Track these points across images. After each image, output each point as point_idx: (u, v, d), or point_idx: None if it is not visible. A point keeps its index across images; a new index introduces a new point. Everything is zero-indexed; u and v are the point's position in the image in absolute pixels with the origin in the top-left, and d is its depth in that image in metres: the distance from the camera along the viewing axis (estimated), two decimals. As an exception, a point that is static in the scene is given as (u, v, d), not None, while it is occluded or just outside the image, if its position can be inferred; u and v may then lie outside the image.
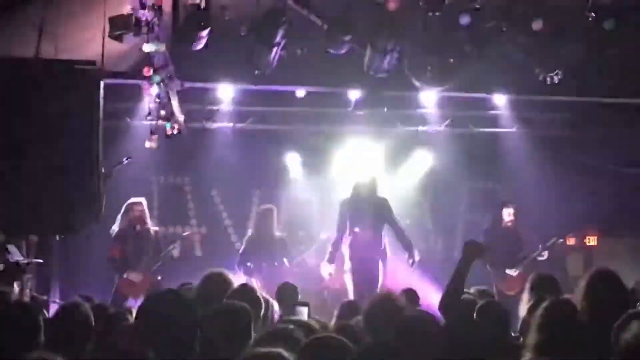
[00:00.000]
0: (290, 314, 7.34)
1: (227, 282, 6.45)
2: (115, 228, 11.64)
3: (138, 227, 11.64)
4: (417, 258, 11.62)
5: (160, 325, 3.93)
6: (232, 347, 4.27)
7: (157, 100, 10.65)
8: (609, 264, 5.96)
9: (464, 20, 10.63)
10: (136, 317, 4.24)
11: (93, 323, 5.51)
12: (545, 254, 12.32)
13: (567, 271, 13.80)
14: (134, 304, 10.11)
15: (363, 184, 11.99)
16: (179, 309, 4.02)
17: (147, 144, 11.29)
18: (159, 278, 11.57)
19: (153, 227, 11.93)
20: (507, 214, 12.59)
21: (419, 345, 4.33)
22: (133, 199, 11.91)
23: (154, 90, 10.30)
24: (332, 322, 6.99)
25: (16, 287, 9.88)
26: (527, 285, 6.77)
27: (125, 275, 11.44)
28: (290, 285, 8.65)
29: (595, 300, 5.31)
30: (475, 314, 5.74)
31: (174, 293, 5.13)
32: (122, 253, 11.51)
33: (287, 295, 8.30)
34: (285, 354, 3.35)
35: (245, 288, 6.27)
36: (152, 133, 11.17)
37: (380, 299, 5.88)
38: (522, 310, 6.42)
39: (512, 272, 12.23)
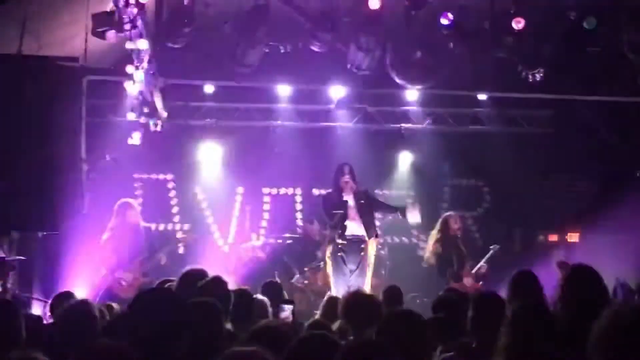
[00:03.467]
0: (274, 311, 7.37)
1: (205, 279, 6.46)
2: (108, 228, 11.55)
3: (131, 228, 11.52)
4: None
5: (148, 322, 3.95)
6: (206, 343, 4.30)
7: (140, 97, 10.64)
8: (590, 260, 6.01)
9: (445, 20, 10.70)
10: (125, 315, 4.25)
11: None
12: (485, 267, 12.21)
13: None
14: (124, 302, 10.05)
15: None
16: (166, 307, 4.04)
17: (130, 141, 11.29)
18: (150, 278, 11.48)
19: (145, 225, 11.84)
20: (454, 222, 12.41)
21: (398, 340, 4.35)
22: (124, 200, 11.81)
23: (137, 87, 10.28)
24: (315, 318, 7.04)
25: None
26: (509, 282, 6.78)
27: (116, 275, 11.37)
28: (276, 283, 8.66)
29: (573, 297, 5.36)
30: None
31: (162, 292, 5.17)
32: (115, 252, 11.43)
33: (272, 292, 8.31)
34: (265, 351, 3.37)
35: (215, 281, 6.26)
36: (135, 130, 11.18)
37: (352, 296, 5.91)
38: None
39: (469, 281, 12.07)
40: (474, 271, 12.01)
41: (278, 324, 5.23)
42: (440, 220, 12.31)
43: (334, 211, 11.55)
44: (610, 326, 3.18)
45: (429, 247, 12.35)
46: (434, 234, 12.26)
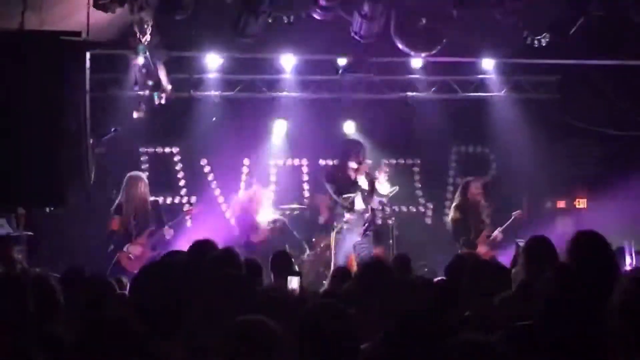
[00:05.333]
0: (283, 283, 7.36)
1: (213, 251, 6.45)
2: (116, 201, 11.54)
3: (140, 201, 11.50)
4: None
5: (153, 295, 3.94)
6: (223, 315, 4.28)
7: (144, 70, 10.60)
8: (598, 227, 5.97)
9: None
10: (130, 288, 4.24)
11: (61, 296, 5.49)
12: (501, 235, 12.15)
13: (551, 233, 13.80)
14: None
15: None
16: (173, 280, 4.02)
17: (135, 114, 11.27)
18: (158, 251, 11.48)
19: (153, 198, 11.80)
20: (475, 187, 12.34)
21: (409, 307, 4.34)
22: (134, 173, 11.77)
23: (140, 60, 10.24)
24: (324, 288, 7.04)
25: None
26: (522, 248, 6.75)
27: (125, 249, 11.37)
28: (286, 253, 8.64)
29: (580, 263, 5.34)
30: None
31: (168, 264, 5.14)
32: (123, 226, 11.43)
33: (282, 263, 8.30)
34: (270, 322, 3.36)
35: (228, 253, 6.25)
36: (139, 103, 11.15)
37: (370, 263, 5.91)
38: (519, 273, 6.35)
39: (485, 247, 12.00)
40: (490, 239, 11.96)
41: (283, 293, 5.22)
42: (460, 185, 12.26)
43: (346, 195, 11.62)
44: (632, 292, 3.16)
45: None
46: (455, 199, 12.26)
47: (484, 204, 12.28)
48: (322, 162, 14.58)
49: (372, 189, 11.83)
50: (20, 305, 4.58)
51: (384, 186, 11.95)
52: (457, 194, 12.24)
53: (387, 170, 12.33)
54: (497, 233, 12.09)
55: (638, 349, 3.13)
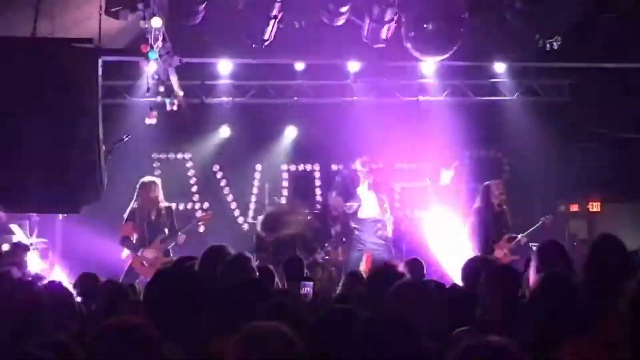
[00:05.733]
0: (296, 288, 7.37)
1: (227, 256, 6.45)
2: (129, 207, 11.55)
3: (153, 207, 11.50)
4: None
5: (167, 300, 3.94)
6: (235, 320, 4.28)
7: (156, 76, 10.62)
8: (612, 230, 5.96)
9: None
10: (144, 293, 4.25)
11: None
12: (525, 239, 11.96)
13: (568, 238, 13.73)
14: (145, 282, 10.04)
15: None
16: (186, 285, 4.02)
17: (147, 121, 11.29)
18: (171, 257, 11.48)
19: (166, 204, 11.80)
20: (496, 188, 12.15)
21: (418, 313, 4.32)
22: (147, 178, 11.77)
23: (152, 66, 10.25)
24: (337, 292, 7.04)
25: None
26: (535, 253, 6.72)
27: (139, 254, 11.38)
28: (297, 259, 8.64)
29: (600, 266, 5.32)
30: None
31: (182, 269, 5.15)
32: (137, 231, 11.43)
33: (294, 269, 8.30)
34: (284, 327, 3.35)
35: (240, 258, 6.25)
36: (151, 109, 11.17)
37: (380, 268, 5.90)
38: (531, 278, 6.33)
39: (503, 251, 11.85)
40: (512, 244, 11.73)
41: (295, 300, 5.22)
42: (481, 188, 12.06)
43: (349, 203, 11.63)
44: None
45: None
46: (476, 202, 12.05)
47: (506, 207, 12.10)
48: (334, 167, 14.60)
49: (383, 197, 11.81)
50: (35, 310, 4.59)
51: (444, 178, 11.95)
52: (478, 197, 12.02)
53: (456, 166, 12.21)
54: (520, 237, 11.85)
55: None
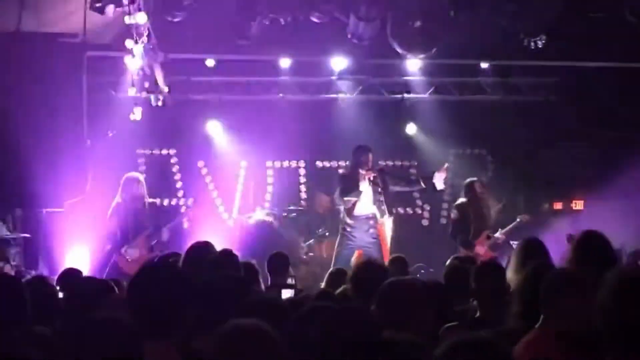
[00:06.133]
0: (280, 283, 7.38)
1: (211, 253, 6.46)
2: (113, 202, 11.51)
3: (137, 202, 11.47)
4: None
5: (150, 297, 3.94)
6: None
7: (141, 72, 10.60)
8: (595, 228, 5.99)
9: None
10: (128, 290, 4.24)
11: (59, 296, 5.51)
12: (502, 237, 12.05)
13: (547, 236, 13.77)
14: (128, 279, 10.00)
15: None
16: (169, 282, 4.02)
17: (132, 116, 11.26)
18: (155, 253, 11.45)
19: (151, 200, 11.77)
20: (479, 186, 12.22)
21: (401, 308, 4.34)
22: (131, 174, 11.73)
23: (137, 62, 10.23)
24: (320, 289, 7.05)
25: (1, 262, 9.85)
26: (515, 250, 6.77)
27: (122, 251, 11.35)
28: (282, 255, 8.64)
29: (585, 262, 5.36)
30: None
31: (165, 265, 5.14)
32: (120, 227, 11.40)
33: (279, 264, 8.30)
34: (264, 324, 3.36)
35: (227, 255, 6.26)
36: (136, 105, 11.15)
37: (365, 264, 5.92)
38: (510, 275, 6.37)
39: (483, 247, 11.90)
40: (490, 240, 11.85)
41: (277, 297, 5.23)
42: (464, 185, 12.13)
43: (347, 197, 11.58)
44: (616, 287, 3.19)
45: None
46: (459, 199, 12.12)
47: (491, 204, 12.19)
48: (319, 163, 14.62)
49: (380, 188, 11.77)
50: (17, 305, 4.58)
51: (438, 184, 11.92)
52: (462, 193, 12.10)
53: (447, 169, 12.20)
54: (499, 235, 11.99)
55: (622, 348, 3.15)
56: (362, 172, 11.58)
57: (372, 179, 11.58)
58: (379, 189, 11.62)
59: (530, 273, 4.77)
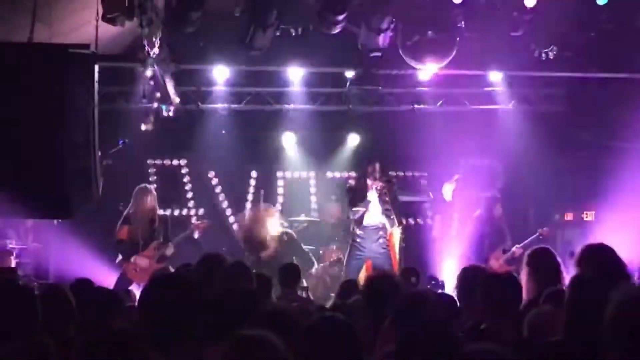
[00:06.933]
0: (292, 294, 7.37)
1: (223, 264, 6.46)
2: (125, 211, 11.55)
3: (148, 214, 11.49)
4: None
5: (161, 307, 3.94)
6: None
7: (152, 82, 10.63)
8: (607, 240, 5.97)
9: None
10: (139, 300, 4.25)
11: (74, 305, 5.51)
12: (520, 250, 11.94)
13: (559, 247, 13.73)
14: (138, 289, 10.02)
15: None
16: (181, 292, 4.02)
17: (143, 127, 11.30)
18: (165, 264, 11.47)
19: (162, 213, 11.80)
20: (498, 207, 12.18)
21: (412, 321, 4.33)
22: (143, 185, 11.76)
23: (149, 72, 10.27)
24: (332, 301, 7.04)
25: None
26: (525, 261, 6.73)
27: (132, 260, 11.37)
28: (294, 266, 8.63)
29: (590, 275, 5.33)
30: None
31: (177, 276, 5.14)
32: (131, 236, 11.42)
33: (290, 275, 8.31)
34: (272, 336, 3.36)
35: (239, 267, 6.26)
36: (147, 115, 11.18)
37: (376, 277, 5.91)
38: (524, 285, 6.31)
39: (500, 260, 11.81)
40: (507, 254, 11.76)
41: (286, 307, 5.22)
42: (484, 199, 12.10)
43: (355, 208, 11.58)
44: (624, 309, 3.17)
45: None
46: (477, 211, 12.08)
47: (502, 217, 12.13)
48: (329, 174, 14.62)
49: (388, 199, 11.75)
50: (29, 313, 4.58)
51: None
52: (480, 207, 12.06)
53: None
54: (515, 249, 11.86)
55: None
56: (369, 182, 11.58)
57: (379, 189, 11.57)
58: (387, 199, 11.61)
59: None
